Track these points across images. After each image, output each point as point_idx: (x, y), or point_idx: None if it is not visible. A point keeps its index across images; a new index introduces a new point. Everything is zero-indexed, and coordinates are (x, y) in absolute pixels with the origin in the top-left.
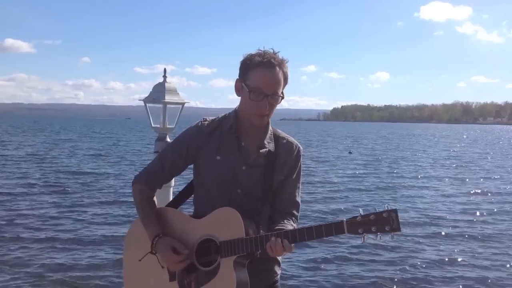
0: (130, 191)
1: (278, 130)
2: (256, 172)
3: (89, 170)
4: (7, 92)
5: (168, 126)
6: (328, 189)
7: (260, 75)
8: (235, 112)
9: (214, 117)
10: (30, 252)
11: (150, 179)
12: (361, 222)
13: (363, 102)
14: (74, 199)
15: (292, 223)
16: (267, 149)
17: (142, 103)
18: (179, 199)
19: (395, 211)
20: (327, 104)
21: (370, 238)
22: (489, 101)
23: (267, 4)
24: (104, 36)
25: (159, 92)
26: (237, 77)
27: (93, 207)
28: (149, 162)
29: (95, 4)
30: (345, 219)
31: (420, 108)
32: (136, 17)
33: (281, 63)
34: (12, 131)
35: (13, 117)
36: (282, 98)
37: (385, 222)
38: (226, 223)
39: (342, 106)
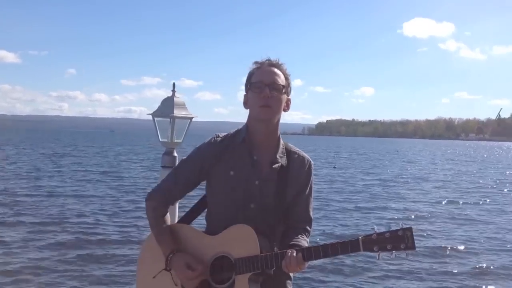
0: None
1: (289, 144)
2: (269, 187)
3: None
4: None
5: (175, 141)
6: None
7: (259, 71)
8: (246, 126)
9: (226, 133)
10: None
11: (163, 196)
12: (376, 240)
13: (348, 117)
14: (84, 217)
15: (305, 238)
16: (279, 164)
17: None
18: (191, 215)
19: (410, 229)
20: (312, 118)
21: (385, 256)
22: (471, 117)
23: (252, 17)
24: (91, 47)
25: (167, 106)
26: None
27: (105, 226)
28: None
29: (83, 16)
30: (360, 237)
31: (404, 123)
32: (123, 28)
33: (279, 64)
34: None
35: None
36: (284, 91)
37: (400, 240)
38: (241, 240)
39: (327, 121)
